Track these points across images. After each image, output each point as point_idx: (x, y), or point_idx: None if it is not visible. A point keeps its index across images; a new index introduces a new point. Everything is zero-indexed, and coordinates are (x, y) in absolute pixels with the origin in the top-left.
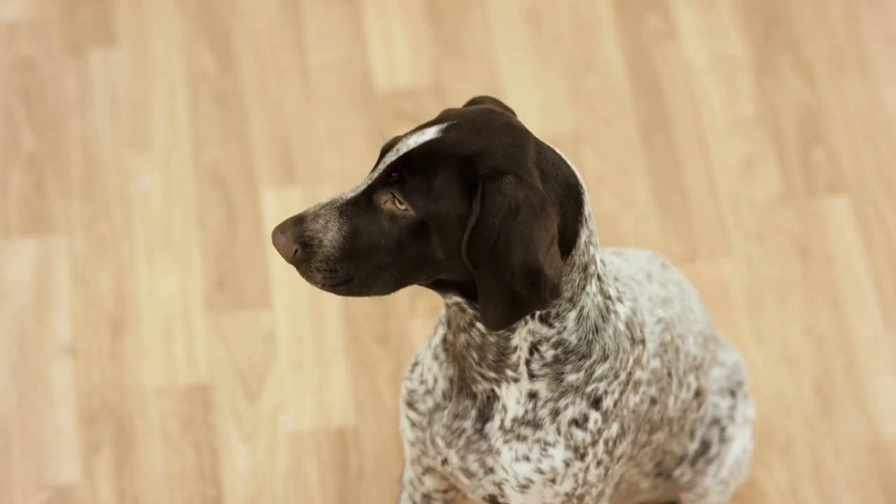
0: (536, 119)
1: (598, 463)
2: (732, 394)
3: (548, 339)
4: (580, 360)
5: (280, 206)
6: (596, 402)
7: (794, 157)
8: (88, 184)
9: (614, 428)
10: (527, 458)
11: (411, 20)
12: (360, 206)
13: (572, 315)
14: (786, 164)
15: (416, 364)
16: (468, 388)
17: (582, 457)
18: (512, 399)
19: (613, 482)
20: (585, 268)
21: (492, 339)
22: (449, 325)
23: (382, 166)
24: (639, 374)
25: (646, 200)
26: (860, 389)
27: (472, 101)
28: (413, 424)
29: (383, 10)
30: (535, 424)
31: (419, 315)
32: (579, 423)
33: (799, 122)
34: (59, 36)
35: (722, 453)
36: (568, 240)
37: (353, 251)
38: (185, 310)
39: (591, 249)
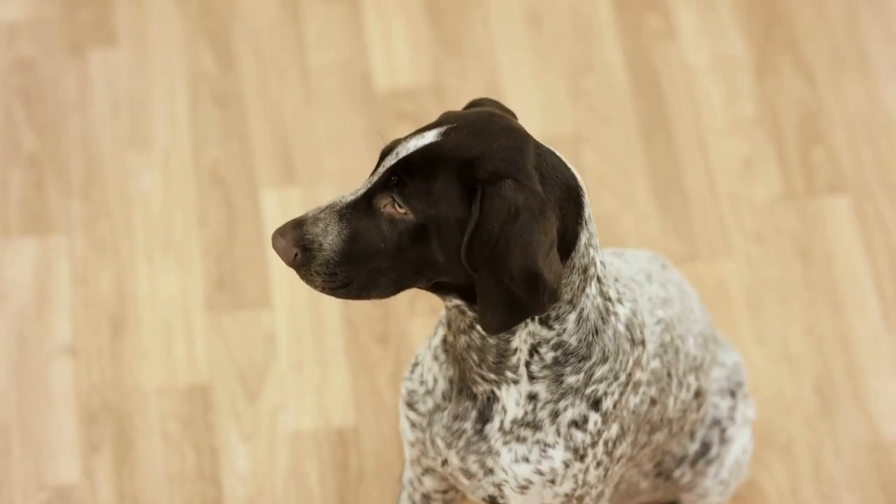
0: (536, 119)
1: (598, 464)
2: (732, 394)
3: (547, 341)
4: (580, 361)
5: (280, 206)
6: (595, 404)
7: (794, 157)
8: (88, 184)
9: (614, 429)
10: (526, 460)
11: (411, 20)
12: (359, 209)
13: (572, 317)
14: (786, 164)
15: (415, 365)
16: (468, 390)
17: (581, 458)
18: (511, 401)
19: (613, 483)
20: (585, 270)
21: (492, 341)
22: (449, 326)
23: (382, 170)
24: (638, 374)
25: (646, 200)
26: (860, 389)
27: (472, 104)
28: (413, 425)
29: (383, 10)
30: (535, 426)
31: (419, 315)
32: (579, 424)
33: (799, 122)
34: (59, 36)
35: (722, 454)
36: (568, 242)
37: (353, 255)
38: (185, 310)
39: (591, 251)
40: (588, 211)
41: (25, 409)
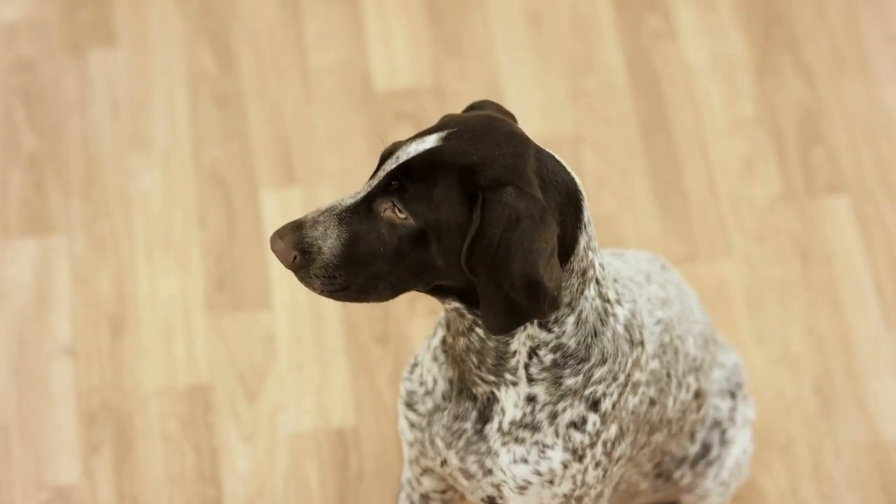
0: (536, 119)
1: (597, 464)
2: (732, 395)
3: (546, 344)
4: (579, 363)
5: (280, 206)
6: (594, 405)
7: (794, 158)
8: (88, 184)
9: (613, 429)
10: (525, 461)
11: (411, 20)
12: (359, 213)
13: (571, 319)
14: (786, 164)
15: (415, 365)
16: (468, 391)
17: (580, 458)
18: (510, 402)
19: (612, 483)
20: (584, 273)
21: (491, 343)
22: (448, 328)
23: (382, 174)
24: (637, 375)
25: (646, 201)
26: (860, 390)
27: (473, 107)
28: (412, 425)
29: (383, 11)
30: (534, 427)
31: (419, 316)
32: (577, 425)
33: (799, 123)
34: (59, 36)
35: (722, 455)
36: (567, 246)
37: (352, 258)
38: (185, 310)
39: (590, 254)
40: (587, 214)
41: (25, 410)
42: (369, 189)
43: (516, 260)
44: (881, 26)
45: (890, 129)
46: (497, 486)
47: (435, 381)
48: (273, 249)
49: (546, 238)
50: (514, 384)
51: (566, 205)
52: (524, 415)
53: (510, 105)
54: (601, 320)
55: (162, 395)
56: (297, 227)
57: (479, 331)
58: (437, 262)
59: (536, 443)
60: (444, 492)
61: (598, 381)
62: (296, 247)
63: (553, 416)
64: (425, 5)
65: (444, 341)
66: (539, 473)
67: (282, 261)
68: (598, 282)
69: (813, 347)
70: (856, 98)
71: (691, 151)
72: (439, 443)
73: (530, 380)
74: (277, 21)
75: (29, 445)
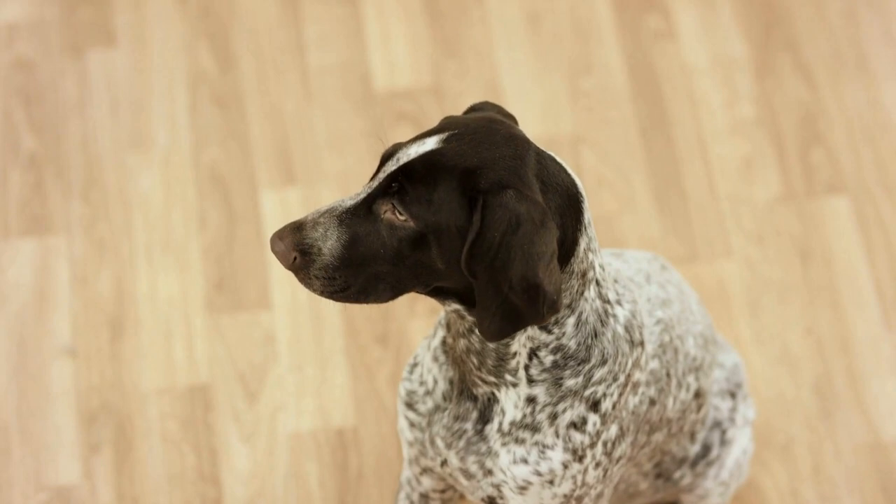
0: (536, 120)
1: (597, 465)
2: (732, 395)
3: (547, 345)
4: (579, 364)
5: (280, 206)
6: (594, 405)
7: (794, 158)
8: (88, 184)
9: (613, 430)
10: (525, 461)
11: (411, 21)
12: (359, 214)
13: (571, 321)
14: (785, 164)
15: (414, 365)
16: (469, 391)
17: (580, 459)
18: (510, 403)
19: (612, 483)
20: (584, 274)
21: (491, 345)
22: (448, 328)
23: (382, 175)
24: (637, 375)
25: (645, 201)
26: (860, 390)
27: (473, 108)
28: (412, 425)
29: (383, 11)
30: (534, 428)
31: (418, 316)
32: (578, 425)
33: (799, 123)
34: (58, 36)
35: (722, 456)
36: (567, 249)
37: (352, 260)
38: (185, 310)
39: (590, 256)
40: (588, 216)
41: (25, 410)
42: (369, 191)
43: (516, 263)
44: (881, 26)
45: (890, 129)
46: (497, 487)
47: (435, 382)
48: (273, 250)
49: (546, 241)
50: (515, 385)
51: (566, 207)
52: (524, 415)
53: (509, 105)
54: (601, 321)
55: (162, 395)
56: (297, 229)
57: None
58: (436, 264)
59: (537, 443)
60: (443, 491)
61: (599, 382)
62: (296, 248)
63: (553, 417)
64: (425, 5)
65: (444, 342)
66: (539, 474)
67: (282, 262)
68: (598, 283)
69: (813, 348)
70: (855, 98)
71: (691, 152)
72: (439, 443)
73: (530, 381)
74: (277, 21)
75: (29, 445)
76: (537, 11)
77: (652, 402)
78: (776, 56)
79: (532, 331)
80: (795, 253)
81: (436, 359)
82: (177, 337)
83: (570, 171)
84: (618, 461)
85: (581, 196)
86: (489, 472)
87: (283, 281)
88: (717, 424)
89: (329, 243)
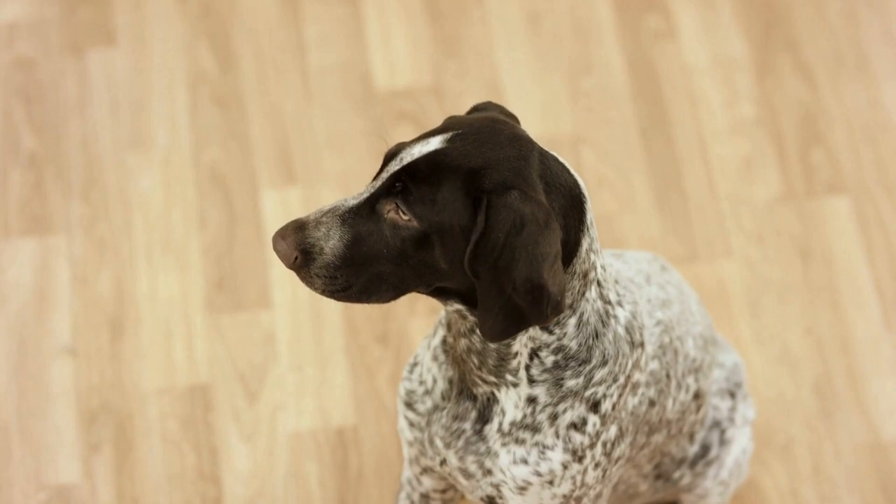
0: (536, 120)
1: (596, 465)
2: (732, 395)
3: (548, 346)
4: (580, 365)
5: (280, 206)
6: (595, 406)
7: (794, 158)
8: (88, 184)
9: (612, 430)
10: (525, 461)
11: (411, 20)
12: (362, 214)
13: (572, 321)
14: (785, 164)
15: (414, 365)
16: (468, 390)
17: (580, 459)
18: (510, 403)
19: (611, 484)
20: (586, 275)
21: (492, 345)
22: (449, 328)
23: (386, 175)
24: (637, 376)
25: (645, 201)
26: (860, 390)
27: (476, 108)
28: (411, 425)
29: (383, 11)
30: (534, 428)
31: (419, 315)
32: (578, 426)
33: (799, 123)
34: (58, 36)
35: (722, 455)
36: (570, 249)
37: (354, 259)
38: (185, 310)
39: (592, 256)
40: (590, 216)
41: (25, 410)
42: (373, 190)
43: (520, 264)
44: (881, 26)
45: (890, 129)
46: (496, 486)
47: (435, 381)
48: (275, 249)
49: (550, 242)
50: (515, 385)
51: (569, 207)
52: (525, 416)
53: (510, 105)
54: (602, 322)
55: (162, 395)
56: (299, 228)
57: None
58: (439, 264)
59: (537, 444)
60: (444, 491)
61: (599, 383)
62: (298, 247)
63: (553, 418)
64: (425, 5)
65: (444, 341)
66: (539, 474)
67: (283, 261)
68: (599, 283)
69: (813, 348)
70: (856, 98)
71: (691, 152)
72: (438, 442)
73: (531, 381)
74: (277, 21)
75: (29, 445)
76: (537, 11)
77: (651, 403)
78: (776, 56)
79: (533, 331)
80: (795, 253)
81: (435, 358)
82: (177, 337)
83: (572, 171)
84: (617, 462)
85: (584, 196)
86: (488, 472)
87: (283, 280)
88: (717, 424)
89: (331, 243)
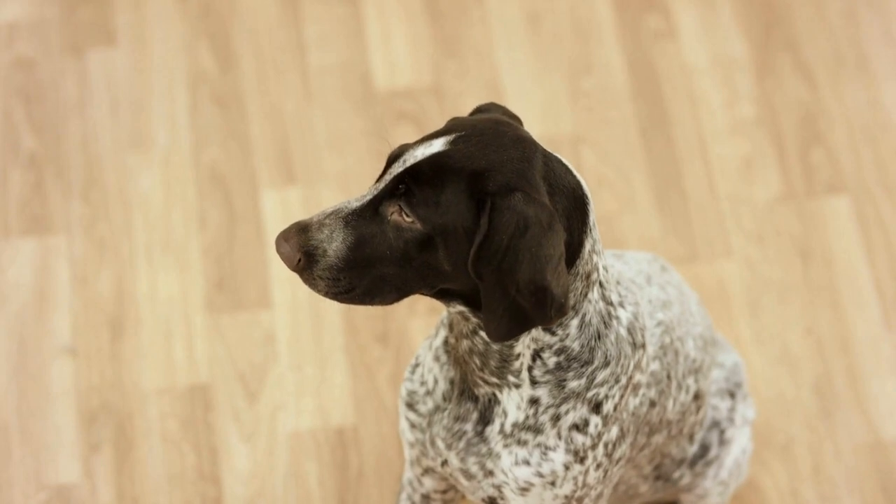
0: (536, 120)
1: (598, 466)
2: (731, 395)
3: (550, 347)
4: (582, 366)
5: (280, 206)
6: (597, 407)
7: (794, 158)
8: (88, 184)
9: (614, 431)
10: (527, 463)
11: (411, 20)
12: (365, 216)
13: (575, 322)
14: (785, 164)
15: (416, 365)
16: (470, 391)
17: (582, 460)
18: (512, 404)
19: (612, 484)
20: (588, 276)
21: (495, 346)
22: (451, 329)
23: (389, 177)
24: (638, 377)
25: (645, 201)
26: (860, 390)
27: (479, 109)
28: (413, 426)
29: (383, 11)
30: (536, 429)
31: (419, 315)
32: (580, 427)
33: (799, 123)
34: (58, 36)
35: (721, 455)
36: (573, 251)
37: (358, 261)
38: (185, 310)
39: (595, 258)
40: (593, 218)
41: (25, 409)
42: (376, 192)
43: (524, 266)
44: (881, 26)
45: (890, 129)
46: (498, 487)
47: (436, 382)
48: (278, 251)
49: (554, 244)
50: (518, 386)
51: (573, 209)
52: (527, 417)
53: (510, 105)
54: (604, 323)
55: (162, 395)
56: (302, 230)
57: (484, 334)
58: (443, 266)
59: (539, 445)
60: (445, 492)
61: (601, 384)
62: (301, 249)
63: (556, 419)
64: (425, 5)
65: (446, 342)
66: (541, 475)
67: (287, 263)
68: (601, 285)
69: (813, 348)
70: (856, 98)
71: (691, 152)
72: (440, 443)
73: (534, 382)
74: (277, 21)
75: (29, 445)
76: (537, 11)
77: (652, 404)
78: (776, 56)
79: (536, 332)
80: (795, 253)
81: (437, 359)
82: (177, 337)
83: (575, 172)
84: (618, 462)
85: (587, 198)
86: (490, 473)
87: (283, 280)
88: (716, 424)
89: (334, 245)
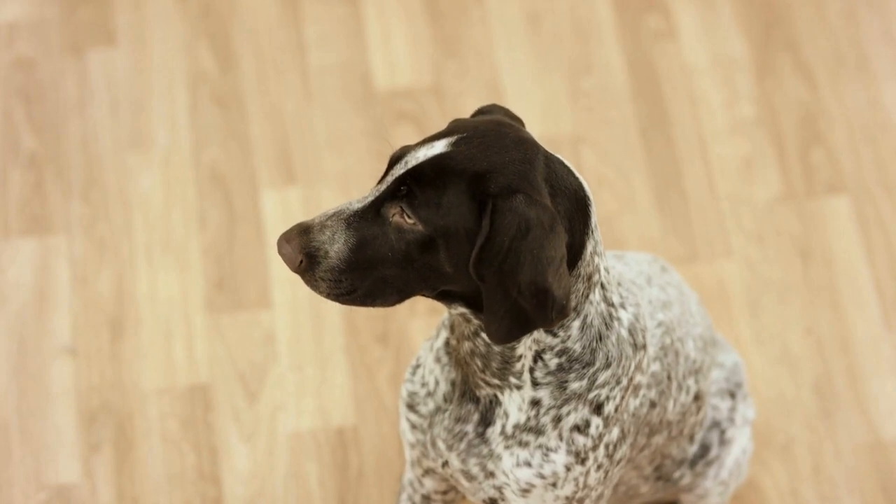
0: (536, 120)
1: (599, 467)
2: (732, 395)
3: (552, 348)
4: (584, 368)
5: (280, 206)
6: (598, 408)
7: (794, 158)
8: (88, 184)
9: (615, 432)
10: (528, 464)
11: (411, 20)
12: (367, 218)
13: (576, 324)
14: (785, 164)
15: (417, 366)
16: (471, 392)
17: (583, 461)
18: (514, 406)
19: (612, 484)
20: (590, 277)
21: (496, 348)
22: (452, 330)
23: (391, 178)
24: (639, 378)
25: (645, 201)
26: (860, 390)
27: (481, 111)
28: (413, 427)
29: (383, 11)
30: (538, 431)
31: (419, 315)
32: (581, 428)
33: (799, 123)
34: (58, 36)
35: (722, 455)
36: (575, 252)
37: (359, 263)
38: (185, 310)
39: (596, 259)
40: (595, 219)
41: (25, 409)
42: (377, 194)
43: (525, 268)
44: (881, 26)
45: (890, 129)
46: (499, 489)
47: (437, 383)
48: (280, 253)
49: (555, 246)
50: (519, 388)
51: (575, 211)
52: (528, 418)
53: (509, 105)
54: (606, 324)
55: (162, 395)
56: (304, 231)
57: (485, 336)
58: (444, 267)
59: (540, 446)
60: (445, 492)
61: (602, 385)
62: (303, 251)
63: (557, 420)
64: (425, 5)
65: (447, 343)
66: (542, 476)
67: (288, 264)
68: (602, 286)
69: (813, 348)
70: (856, 98)
71: (691, 152)
72: (440, 444)
73: (535, 384)
74: (277, 21)
75: (29, 445)
76: (537, 11)
77: (652, 405)
78: (776, 56)
79: (538, 334)
80: (795, 253)
81: (438, 360)
82: (177, 337)
83: (577, 174)
84: (618, 463)
85: (589, 199)
86: (491, 475)
87: (283, 280)
88: (716, 424)
89: (336, 246)
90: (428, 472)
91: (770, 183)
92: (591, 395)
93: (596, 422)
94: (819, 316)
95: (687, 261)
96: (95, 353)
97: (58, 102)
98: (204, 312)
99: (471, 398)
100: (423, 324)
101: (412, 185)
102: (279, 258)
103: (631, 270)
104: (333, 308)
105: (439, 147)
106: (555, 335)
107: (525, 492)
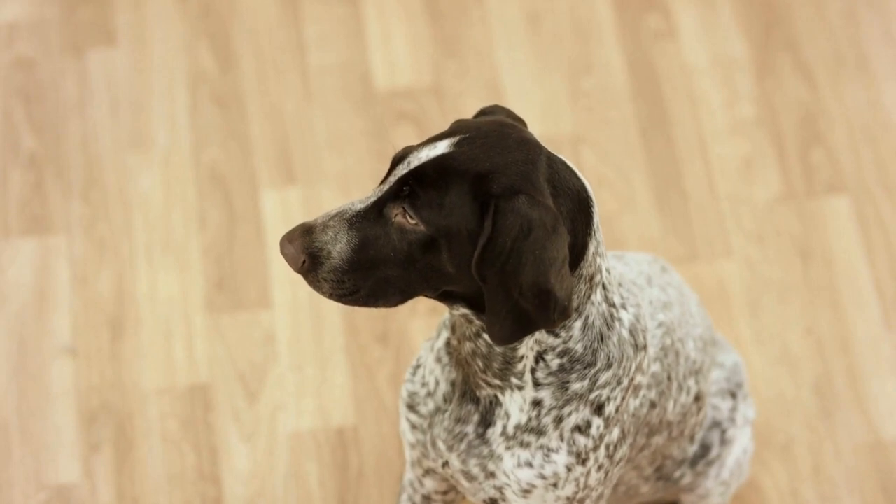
0: (536, 120)
1: (599, 467)
2: (732, 395)
3: (553, 349)
4: (585, 368)
5: (280, 206)
6: (599, 409)
7: (794, 158)
8: (88, 184)
9: (615, 433)
10: (529, 465)
11: (411, 20)
12: (369, 218)
13: (578, 325)
14: (785, 164)
15: (417, 367)
16: (471, 393)
17: (584, 462)
18: (515, 406)
19: (612, 484)
20: (592, 278)
21: (498, 348)
22: (453, 331)
23: (393, 179)
24: (640, 378)
25: (645, 201)
26: (860, 390)
27: (483, 112)
28: (413, 427)
29: (383, 11)
30: (539, 431)
31: (419, 315)
32: (582, 429)
33: (799, 123)
34: (58, 36)
35: (723, 455)
36: (577, 253)
37: (362, 263)
38: (185, 310)
39: (598, 260)
40: (597, 220)
41: (25, 409)
42: (380, 194)
43: (527, 269)
44: (881, 26)
45: (890, 129)
46: (499, 489)
47: (437, 383)
48: (282, 253)
49: (558, 247)
50: (520, 388)
51: (577, 211)
52: (529, 419)
53: (509, 105)
54: (607, 325)
55: (162, 395)
56: (306, 232)
57: (487, 337)
58: (447, 268)
59: (541, 447)
60: (445, 492)
61: (603, 386)
62: (305, 251)
63: (558, 421)
64: (425, 5)
65: (448, 343)
66: (543, 477)
67: (291, 265)
68: (604, 286)
69: (813, 348)
70: (856, 98)
71: (691, 152)
72: (441, 445)
73: (536, 384)
74: (277, 21)
75: (29, 445)
76: (537, 11)
77: (652, 405)
78: (776, 56)
79: (539, 334)
80: (795, 253)
81: (439, 360)
82: (177, 337)
83: (579, 175)
84: (618, 463)
85: (591, 200)
86: (491, 475)
87: (283, 280)
88: (717, 424)
89: (339, 246)
90: (428, 472)
91: (770, 183)
92: (592, 396)
93: (597, 422)
94: (819, 316)
95: (687, 261)
96: (95, 353)
97: (58, 102)
98: (204, 312)
99: (471, 399)
100: (424, 324)
101: (415, 186)
102: (279, 258)
103: (631, 271)
104: (333, 308)
105: (442, 147)
106: (557, 336)
107: (526, 492)
